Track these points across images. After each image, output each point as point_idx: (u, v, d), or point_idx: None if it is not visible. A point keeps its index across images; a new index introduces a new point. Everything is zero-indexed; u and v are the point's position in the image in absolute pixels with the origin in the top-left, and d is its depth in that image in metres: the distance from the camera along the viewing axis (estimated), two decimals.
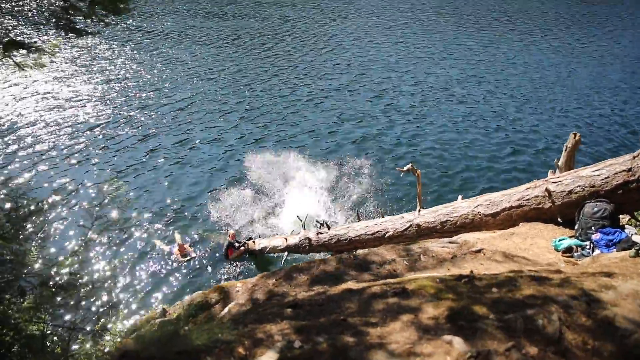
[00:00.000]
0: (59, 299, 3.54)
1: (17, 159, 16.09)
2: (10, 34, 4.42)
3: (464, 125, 19.12)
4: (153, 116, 19.68)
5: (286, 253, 11.46)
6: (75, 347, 3.50)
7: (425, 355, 2.99)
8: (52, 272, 3.64)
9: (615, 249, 5.92)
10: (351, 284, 4.82)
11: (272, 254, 12.00)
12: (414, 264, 5.82)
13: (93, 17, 4.48)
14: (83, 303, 3.66)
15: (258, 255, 12.08)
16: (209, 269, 11.78)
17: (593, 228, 6.35)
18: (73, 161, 16.16)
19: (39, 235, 3.82)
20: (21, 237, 3.58)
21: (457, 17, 38.13)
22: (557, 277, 4.07)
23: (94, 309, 3.81)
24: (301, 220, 11.51)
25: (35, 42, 4.39)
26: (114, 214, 4.14)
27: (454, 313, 3.43)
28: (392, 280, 4.75)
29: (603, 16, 39.15)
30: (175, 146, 17.38)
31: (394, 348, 3.10)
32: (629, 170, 6.43)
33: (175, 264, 11.81)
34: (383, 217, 10.13)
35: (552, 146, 17.13)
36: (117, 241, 12.18)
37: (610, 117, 20.18)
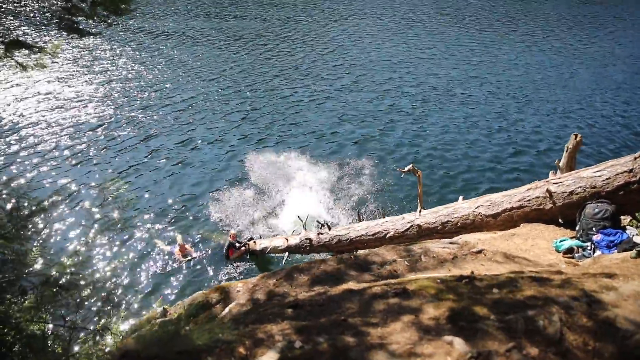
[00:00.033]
0: (60, 298, 3.54)
1: (18, 159, 16.12)
2: (12, 34, 4.43)
3: (466, 126, 19.11)
4: (155, 117, 19.70)
5: (287, 253, 11.46)
6: (76, 346, 3.50)
7: (425, 356, 2.99)
8: (54, 272, 3.65)
9: (616, 250, 5.91)
10: (352, 285, 4.82)
11: (272, 255, 12.00)
12: (414, 265, 5.82)
13: (95, 18, 4.49)
14: (84, 303, 3.66)
15: (259, 255, 12.08)
16: (210, 269, 11.78)
17: (594, 229, 6.34)
18: (75, 161, 16.19)
19: (40, 234, 3.82)
20: (22, 236, 3.59)
21: (459, 17, 38.13)
22: (558, 278, 4.06)
23: (95, 308, 3.82)
24: (302, 221, 11.51)
25: (37, 43, 4.40)
26: (116, 214, 4.15)
27: (454, 314, 3.43)
28: (392, 281, 4.75)
29: (605, 17, 39.13)
30: (176, 146, 17.40)
31: (395, 348, 3.10)
32: (631, 171, 6.42)
33: (176, 264, 11.81)
34: (384, 217, 10.13)
35: (554, 147, 17.10)
36: (118, 241, 12.19)
37: (612, 117, 20.16)
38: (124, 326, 3.87)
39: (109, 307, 3.82)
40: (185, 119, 19.57)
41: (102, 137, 17.96)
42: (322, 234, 10.39)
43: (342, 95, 22.29)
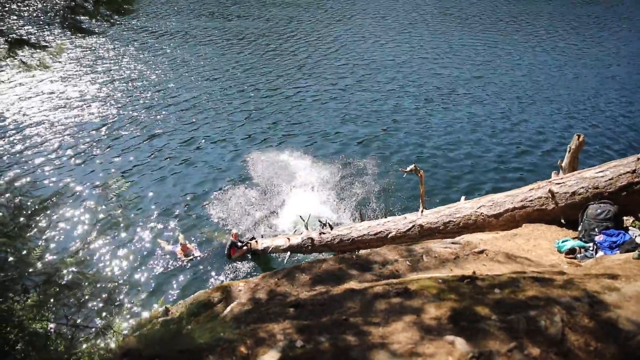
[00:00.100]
0: (62, 297, 3.55)
1: (22, 158, 16.18)
2: (16, 33, 4.44)
3: (470, 126, 19.07)
4: (158, 116, 19.74)
5: (289, 253, 11.47)
6: (78, 345, 3.52)
7: (427, 356, 2.99)
8: (56, 271, 3.66)
9: (618, 251, 5.90)
10: (353, 284, 4.82)
11: (274, 254, 12.01)
12: (416, 265, 5.82)
13: (98, 17, 4.50)
14: (86, 301, 3.67)
15: (260, 255, 12.10)
16: (212, 268, 11.80)
17: (596, 229, 6.33)
18: (78, 161, 16.24)
19: (43, 233, 3.84)
20: (25, 235, 3.60)
21: (463, 17, 38.07)
22: (560, 278, 4.06)
23: (97, 307, 3.83)
24: (304, 220, 11.51)
25: (40, 42, 4.42)
26: (118, 213, 4.16)
27: (456, 313, 3.43)
28: (394, 281, 4.75)
29: (608, 17, 39.00)
30: (179, 146, 17.43)
31: (396, 348, 3.10)
32: (633, 172, 6.41)
33: (178, 264, 11.84)
34: (386, 217, 10.12)
35: (558, 147, 17.04)
36: (121, 240, 12.22)
37: (616, 118, 20.08)
38: (126, 325, 3.88)
39: (111, 306, 3.83)
40: (188, 118, 19.60)
41: (106, 136, 18.01)
42: (324, 233, 10.39)
43: (346, 95, 22.28)
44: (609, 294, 3.52)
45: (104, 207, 4.00)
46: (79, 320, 3.59)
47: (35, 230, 3.71)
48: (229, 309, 5.15)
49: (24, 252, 3.55)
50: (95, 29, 4.72)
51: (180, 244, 12.08)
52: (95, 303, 3.79)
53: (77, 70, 24.67)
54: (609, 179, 6.62)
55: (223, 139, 18.01)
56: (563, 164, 8.36)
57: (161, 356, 3.24)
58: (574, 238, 6.56)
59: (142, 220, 13.23)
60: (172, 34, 31.85)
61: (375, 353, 3.06)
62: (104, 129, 18.55)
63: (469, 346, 3.00)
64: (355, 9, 40.81)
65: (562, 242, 6.43)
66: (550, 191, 7.17)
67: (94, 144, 17.41)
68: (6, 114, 19.27)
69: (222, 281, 11.01)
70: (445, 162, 16.40)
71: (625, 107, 21.23)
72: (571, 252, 6.23)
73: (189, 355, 3.24)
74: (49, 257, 3.76)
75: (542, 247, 6.52)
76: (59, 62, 24.49)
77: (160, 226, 13.17)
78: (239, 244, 12.05)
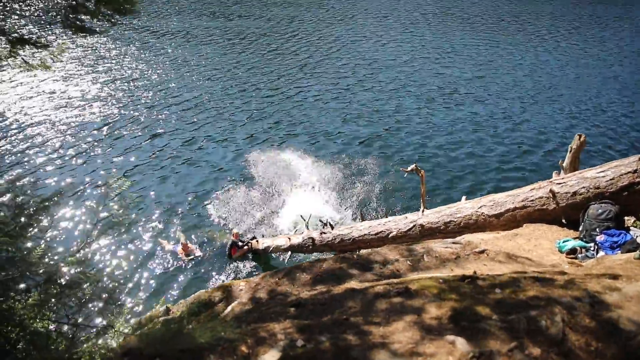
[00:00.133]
0: (63, 296, 3.56)
1: (23, 158, 16.20)
2: (17, 33, 4.45)
3: (471, 126, 19.05)
4: (159, 116, 19.75)
5: (289, 252, 11.47)
6: (79, 344, 3.52)
7: (427, 355, 2.99)
8: (58, 270, 3.66)
9: (619, 251, 5.89)
10: (354, 284, 4.82)
11: (275, 254, 12.02)
12: (416, 264, 5.82)
13: (99, 17, 4.50)
14: (87, 300, 3.68)
15: (261, 254, 12.10)
16: (213, 268, 11.80)
17: (597, 230, 6.32)
18: (79, 160, 16.26)
19: (44, 232, 3.84)
20: (26, 234, 3.61)
21: (464, 17, 38.04)
22: (560, 278, 4.05)
23: (98, 306, 3.83)
24: (305, 220, 11.51)
25: (41, 41, 4.42)
26: (119, 212, 4.16)
27: (457, 313, 3.43)
28: (395, 280, 4.75)
29: (611, 17, 38.95)
30: (181, 146, 17.43)
31: (397, 348, 3.10)
32: (635, 172, 6.40)
33: (179, 263, 11.84)
34: (387, 217, 10.12)
35: (560, 147, 17.01)
36: (122, 240, 12.23)
37: (618, 118, 20.05)
38: (127, 324, 3.89)
39: (112, 305, 3.83)
40: (189, 118, 19.61)
41: (107, 136, 18.02)
42: (324, 233, 10.39)
43: (347, 94, 22.27)
44: (610, 294, 3.52)
45: (105, 206, 3.99)
46: (80, 320, 3.59)
47: (36, 229, 3.72)
48: (229, 308, 5.16)
49: (25, 251, 3.55)
50: (97, 29, 4.71)
51: (181, 244, 12.08)
52: (96, 302, 3.79)
53: (78, 70, 24.69)
54: (610, 179, 6.62)
55: (224, 139, 18.02)
56: (564, 164, 8.35)
57: (162, 355, 3.24)
58: (575, 238, 6.56)
59: (143, 220, 13.24)
60: (173, 33, 31.87)
61: (375, 353, 3.06)
62: (105, 128, 18.57)
63: (469, 346, 3.00)
64: (356, 9, 40.80)
65: (563, 242, 6.43)
66: (551, 191, 7.16)
67: (95, 143, 17.42)
68: (8, 114, 19.30)
69: (223, 281, 11.01)
70: (447, 161, 16.39)
71: (627, 107, 21.20)
72: (572, 252, 6.22)
73: (189, 355, 3.24)
74: (50, 256, 3.76)
75: (543, 247, 6.52)
76: (61, 61, 24.46)
77: (161, 226, 13.18)
78: (240, 243, 12.05)
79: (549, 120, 19.68)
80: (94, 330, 3.69)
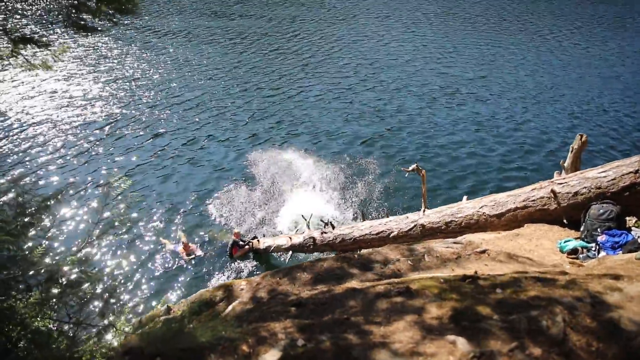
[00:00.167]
0: (64, 295, 3.56)
1: (24, 157, 16.22)
2: (19, 32, 4.45)
3: (473, 126, 19.03)
4: (161, 115, 19.77)
5: (290, 252, 11.47)
6: (80, 343, 3.52)
7: (428, 355, 2.99)
8: (59, 269, 3.67)
9: (621, 251, 5.88)
10: (355, 283, 4.82)
11: (276, 253, 12.03)
12: (417, 264, 5.82)
13: (101, 16, 4.51)
14: (88, 299, 3.68)
15: (262, 254, 12.11)
16: (214, 267, 11.82)
17: (599, 230, 6.31)
18: (81, 160, 16.28)
19: (46, 232, 3.85)
20: (28, 233, 3.61)
21: (466, 17, 37.98)
22: (562, 278, 4.05)
23: (99, 305, 3.84)
24: (306, 220, 11.52)
25: (43, 40, 4.42)
26: (121, 212, 4.16)
27: (457, 313, 3.43)
28: (395, 280, 4.75)
29: (613, 16, 38.87)
30: (182, 146, 17.45)
31: (397, 347, 3.10)
32: (636, 172, 6.39)
33: (180, 262, 11.86)
34: (388, 217, 10.12)
35: (563, 147, 16.98)
36: (123, 239, 12.25)
37: (620, 118, 20.01)
38: (128, 323, 3.89)
39: (113, 304, 3.84)
40: (191, 118, 19.62)
41: (109, 135, 18.04)
42: (325, 233, 10.39)
43: (349, 94, 22.26)
44: (611, 294, 3.51)
45: (106, 205, 4.00)
46: (81, 319, 3.60)
47: (38, 228, 3.73)
48: (230, 307, 5.16)
49: (27, 250, 3.56)
50: (98, 27, 4.72)
51: (182, 243, 12.10)
52: (97, 301, 3.80)
53: (80, 69, 24.72)
54: (612, 179, 6.61)
55: (226, 139, 18.03)
56: (565, 164, 8.33)
57: (163, 354, 3.25)
58: (576, 238, 6.55)
59: (144, 219, 13.25)
60: (174, 33, 31.88)
61: (376, 352, 3.06)
62: (107, 128, 18.59)
63: (470, 346, 3.00)
64: (358, 8, 40.76)
65: (565, 242, 6.42)
66: (552, 191, 7.15)
67: (97, 143, 17.44)
68: (10, 113, 19.33)
69: (224, 280, 11.03)
70: (449, 161, 16.37)
71: (630, 107, 21.15)
72: (573, 252, 6.21)
73: (190, 354, 3.25)
74: (51, 255, 3.76)
75: (544, 247, 6.51)
76: (62, 61, 24.51)
77: (162, 225, 13.19)
78: (241, 243, 12.06)
79: (551, 120, 19.65)
80: (95, 329, 3.69)
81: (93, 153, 16.74)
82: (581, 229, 6.66)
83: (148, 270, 11.61)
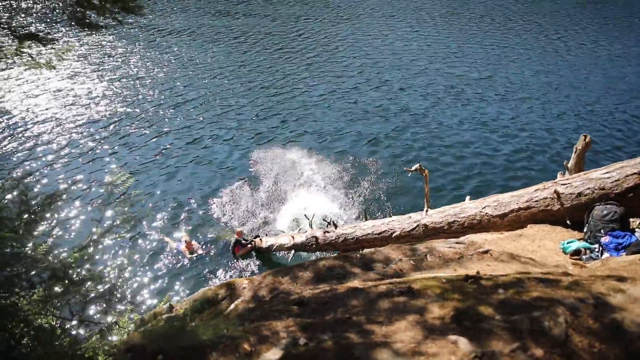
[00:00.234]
0: (68, 292, 3.58)
1: (29, 155, 16.30)
2: (25, 29, 4.47)
3: (478, 126, 18.96)
4: (165, 114, 19.82)
5: (293, 251, 11.49)
6: (83, 340, 3.54)
7: (430, 355, 2.99)
8: (62, 266, 3.68)
9: (624, 253, 5.86)
10: (357, 283, 4.83)
11: (278, 252, 12.04)
12: (420, 264, 5.81)
13: (105, 14, 4.52)
14: (91, 297, 3.70)
15: (265, 253, 12.13)
16: (216, 266, 11.84)
17: (602, 231, 6.29)
18: (85, 158, 16.35)
19: (50, 229, 3.87)
20: (32, 230, 3.63)
21: (471, 17, 37.85)
22: (564, 279, 4.04)
23: (101, 303, 3.85)
24: (309, 219, 11.53)
25: (48, 38, 4.44)
26: (124, 210, 4.18)
27: (459, 313, 3.43)
28: (397, 280, 4.75)
29: (619, 17, 38.66)
30: (186, 144, 17.49)
31: (399, 347, 3.10)
32: None
33: (182, 261, 11.89)
34: (390, 216, 10.11)
35: (568, 148, 16.87)
36: (127, 237, 12.27)
37: (627, 119, 19.88)
38: (131, 321, 3.91)
39: (115, 302, 3.85)
40: (195, 117, 19.66)
41: (113, 134, 18.10)
42: (328, 232, 10.39)
43: (353, 94, 22.23)
44: (614, 295, 3.50)
45: (109, 204, 4.02)
46: (84, 316, 3.61)
47: (41, 226, 3.74)
48: (232, 306, 5.17)
49: (30, 247, 3.58)
50: (102, 24, 4.73)
51: (185, 242, 12.13)
52: (100, 299, 3.82)
53: (84, 68, 24.81)
54: (616, 180, 6.58)
55: (230, 138, 18.06)
56: (569, 165, 8.31)
57: (165, 352, 3.26)
58: (579, 239, 6.53)
59: (147, 218, 13.28)
60: (178, 32, 31.93)
61: (378, 352, 3.06)
62: (111, 126, 18.66)
63: (472, 346, 3.00)
64: (362, 8, 40.70)
65: (568, 243, 6.40)
66: (555, 192, 7.13)
67: (101, 141, 17.51)
68: (14, 111, 19.42)
69: (227, 279, 11.05)
70: (454, 161, 16.33)
71: (635, 109, 20.99)
72: (576, 253, 6.20)
73: (192, 352, 3.26)
74: (55, 252, 3.78)
75: (547, 248, 6.49)
76: (67, 59, 24.61)
77: (165, 223, 13.24)
78: (244, 241, 12.09)
79: (557, 121, 19.56)
80: (98, 326, 3.71)
81: (97, 151, 16.81)
82: (584, 230, 6.63)
83: (151, 269, 11.65)
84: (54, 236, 4.12)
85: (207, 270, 11.70)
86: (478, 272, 4.62)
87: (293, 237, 11.38)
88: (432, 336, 3.19)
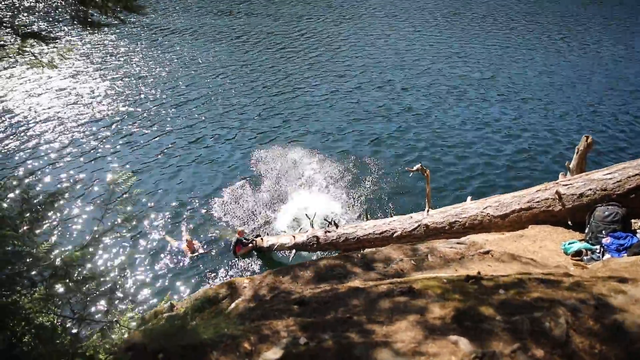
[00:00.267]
0: (69, 291, 3.59)
1: (31, 154, 16.34)
2: (27, 27, 4.48)
3: (480, 126, 18.94)
4: (167, 114, 19.84)
5: (294, 251, 11.49)
6: (84, 338, 3.55)
7: (430, 355, 2.99)
8: (63, 264, 3.69)
9: (626, 254, 5.85)
10: (358, 283, 4.83)
11: (279, 252, 12.05)
12: (420, 264, 5.81)
13: (108, 13, 4.53)
14: (92, 295, 3.71)
15: (266, 252, 12.14)
16: (217, 265, 11.85)
17: (604, 232, 6.28)
18: (87, 157, 16.39)
19: (52, 228, 3.87)
20: (33, 229, 3.64)
21: (474, 17, 37.80)
22: (565, 280, 4.03)
23: (102, 301, 3.86)
24: (310, 219, 11.54)
25: (50, 36, 4.45)
26: (125, 209, 4.19)
27: (460, 313, 3.42)
28: (398, 280, 4.75)
29: (622, 18, 38.57)
30: (188, 144, 17.51)
31: (399, 347, 3.10)
32: None
33: (183, 260, 11.91)
34: (392, 216, 10.11)
35: (571, 148, 16.85)
36: (128, 236, 12.30)
37: (630, 120, 19.84)
38: (131, 320, 3.92)
39: (116, 301, 3.86)
40: (197, 116, 19.68)
41: (114, 133, 18.13)
42: (329, 232, 10.39)
43: (355, 94, 22.22)
44: (615, 296, 3.50)
45: (111, 203, 4.02)
46: (85, 315, 3.62)
47: (43, 224, 3.75)
48: (233, 305, 5.18)
49: (32, 246, 3.58)
50: (104, 22, 4.73)
51: (186, 241, 12.14)
52: (101, 297, 3.83)
53: (86, 67, 24.85)
54: (617, 181, 6.57)
55: (232, 137, 18.07)
56: (571, 166, 8.30)
57: (165, 350, 3.26)
58: (580, 240, 6.52)
59: (149, 217, 13.32)
60: (181, 31, 31.96)
61: (378, 351, 3.06)
62: (113, 125, 18.69)
63: (472, 346, 3.00)
64: (365, 8, 40.68)
65: (569, 244, 6.39)
66: (557, 192, 7.12)
67: (103, 140, 17.54)
68: (16, 110, 19.47)
69: (227, 278, 11.06)
70: (456, 161, 16.31)
71: (638, 110, 20.94)
72: (577, 254, 6.19)
73: (192, 350, 3.26)
74: (56, 251, 3.79)
75: (548, 249, 6.48)
76: (69, 59, 24.65)
77: (166, 223, 13.25)
78: (245, 241, 12.10)
79: (559, 121, 19.52)
80: (99, 325, 3.72)
81: (99, 150, 16.84)
82: (586, 230, 6.62)
83: (152, 268, 11.67)
84: (56, 235, 4.13)
85: (208, 269, 11.71)
86: (479, 273, 4.61)
87: (294, 236, 11.38)
88: (433, 336, 3.19)
